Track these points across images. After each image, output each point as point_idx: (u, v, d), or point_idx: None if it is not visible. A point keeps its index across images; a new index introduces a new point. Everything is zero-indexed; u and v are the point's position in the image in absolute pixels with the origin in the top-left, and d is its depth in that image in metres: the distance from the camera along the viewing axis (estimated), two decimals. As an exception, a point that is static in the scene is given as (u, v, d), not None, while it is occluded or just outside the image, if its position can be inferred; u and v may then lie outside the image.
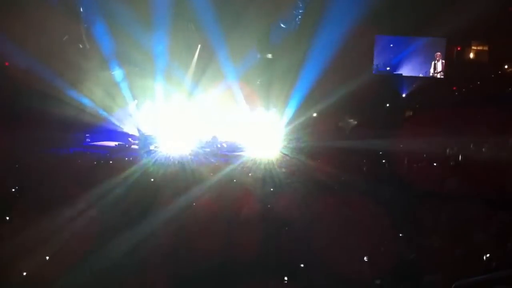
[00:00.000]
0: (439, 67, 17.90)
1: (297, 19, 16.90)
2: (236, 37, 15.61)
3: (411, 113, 16.98)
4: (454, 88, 17.41)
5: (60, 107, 13.85)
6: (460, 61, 17.66)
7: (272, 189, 8.91)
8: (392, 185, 8.74)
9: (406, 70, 17.66)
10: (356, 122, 16.31)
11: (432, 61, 17.90)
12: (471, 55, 17.76)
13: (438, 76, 17.80)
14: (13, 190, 8.35)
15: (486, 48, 17.46)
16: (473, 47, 17.68)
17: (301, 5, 16.84)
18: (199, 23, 15.88)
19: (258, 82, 16.80)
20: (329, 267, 5.34)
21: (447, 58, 17.38)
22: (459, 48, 17.75)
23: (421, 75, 17.66)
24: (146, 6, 14.90)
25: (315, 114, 16.37)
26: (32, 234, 6.04)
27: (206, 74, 16.11)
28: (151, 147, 14.46)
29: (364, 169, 10.78)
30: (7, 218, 6.87)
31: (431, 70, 17.86)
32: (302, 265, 5.59)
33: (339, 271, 5.23)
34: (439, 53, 17.74)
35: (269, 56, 17.12)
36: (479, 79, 17.03)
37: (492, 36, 16.61)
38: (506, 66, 17.22)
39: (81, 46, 16.07)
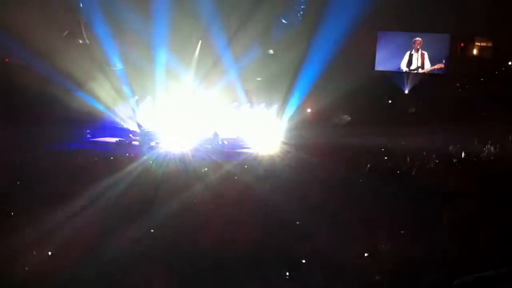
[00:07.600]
0: (419, 60, 15.51)
1: (299, 14, 16.84)
2: (237, 33, 15.56)
3: (413, 110, 16.92)
4: (458, 84, 17.32)
5: (61, 103, 13.87)
6: (464, 57, 17.54)
7: (273, 186, 8.87)
8: (394, 182, 8.72)
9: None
10: (350, 118, 16.28)
11: (407, 52, 15.96)
12: (475, 51, 17.65)
13: (420, 70, 16.41)
14: (14, 186, 8.35)
15: (490, 44, 17.37)
16: (477, 43, 17.57)
17: (302, 0, 16.77)
18: (200, 18, 15.82)
19: (259, 78, 16.74)
20: (330, 263, 5.33)
21: (451, 54, 17.24)
22: (462, 44, 17.64)
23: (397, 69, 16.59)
24: (146, 1, 14.85)
25: (317, 110, 16.34)
26: (34, 230, 6.05)
27: (207, 69, 16.06)
28: (152, 144, 14.43)
29: (367, 165, 10.73)
30: (9, 214, 6.87)
31: (404, 66, 16.46)
32: (303, 261, 5.57)
33: (340, 267, 5.22)
34: (418, 39, 15.61)
35: (271, 51, 17.06)
36: (483, 76, 16.94)
37: (496, 32, 16.51)
38: (510, 63, 17.13)
39: (81, 41, 16.07)
